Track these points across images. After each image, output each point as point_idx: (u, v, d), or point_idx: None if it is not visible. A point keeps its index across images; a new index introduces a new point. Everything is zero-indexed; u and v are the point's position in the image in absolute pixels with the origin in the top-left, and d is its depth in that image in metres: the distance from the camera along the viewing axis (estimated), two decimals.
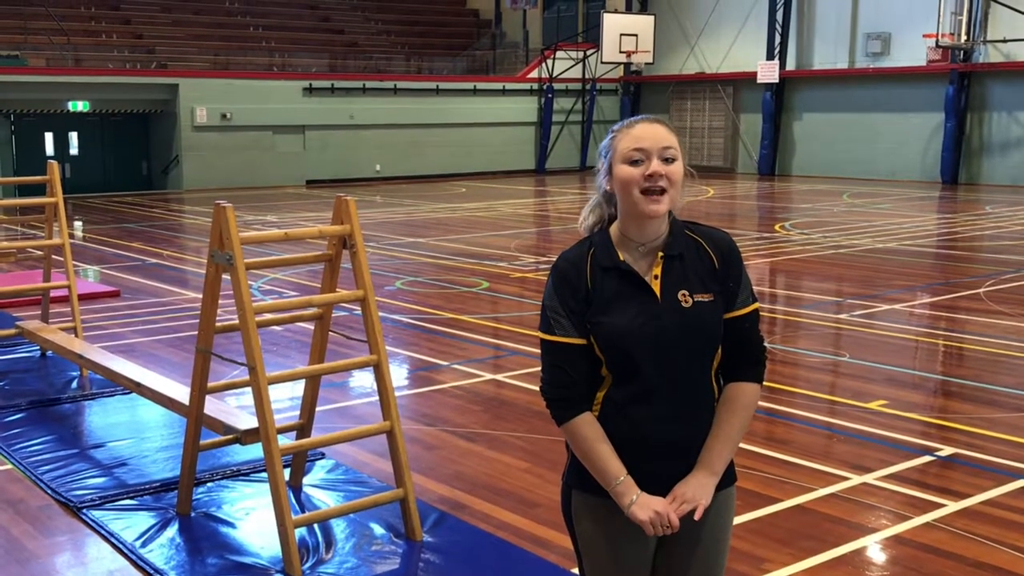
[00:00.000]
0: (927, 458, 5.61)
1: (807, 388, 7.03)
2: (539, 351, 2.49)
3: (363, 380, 7.22)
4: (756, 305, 2.52)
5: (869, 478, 5.28)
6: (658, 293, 2.40)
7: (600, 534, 2.51)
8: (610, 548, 2.51)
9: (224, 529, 4.72)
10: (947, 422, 6.30)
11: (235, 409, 5.28)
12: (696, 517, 2.40)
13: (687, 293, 2.41)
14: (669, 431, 2.42)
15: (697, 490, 2.41)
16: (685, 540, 2.49)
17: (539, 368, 2.52)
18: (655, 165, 2.37)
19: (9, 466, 5.59)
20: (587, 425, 2.43)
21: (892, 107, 26.57)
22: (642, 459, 2.42)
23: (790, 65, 28.39)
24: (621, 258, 2.43)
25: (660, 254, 2.43)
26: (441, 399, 6.84)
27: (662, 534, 2.40)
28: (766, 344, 2.57)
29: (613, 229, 2.48)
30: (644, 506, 2.38)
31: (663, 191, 2.37)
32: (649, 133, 2.39)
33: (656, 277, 2.42)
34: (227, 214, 4.26)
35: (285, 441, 4.97)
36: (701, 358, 2.44)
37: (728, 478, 2.51)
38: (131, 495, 5.09)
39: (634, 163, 2.39)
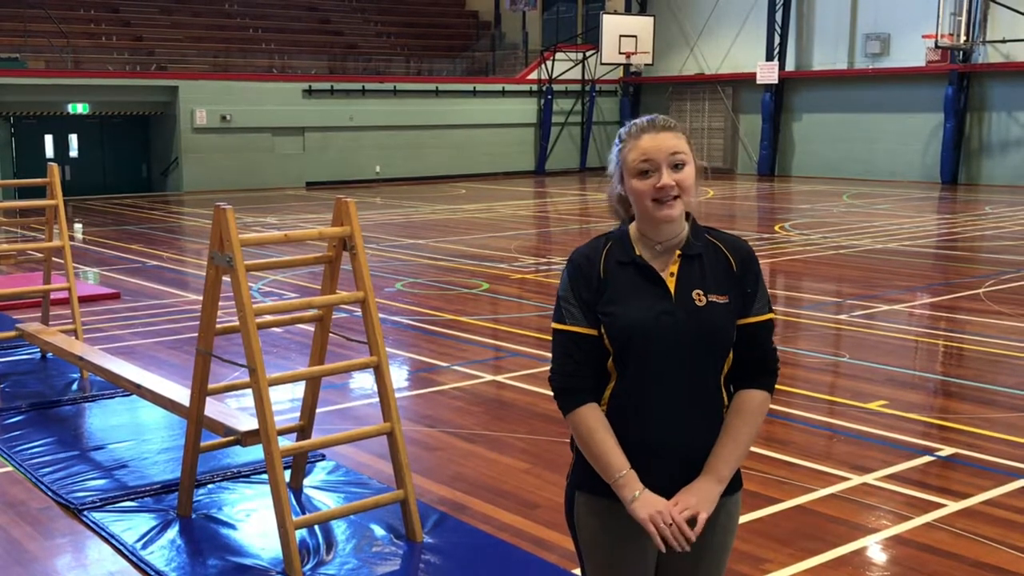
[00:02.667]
0: (927, 458, 5.61)
1: (807, 388, 7.02)
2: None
3: (363, 381, 7.22)
4: (772, 315, 2.52)
5: (869, 478, 5.28)
6: (672, 290, 2.42)
7: (603, 536, 2.50)
8: (612, 551, 2.50)
9: (225, 531, 4.72)
10: (947, 422, 6.30)
11: (235, 411, 5.28)
12: (693, 535, 2.34)
13: (701, 293, 2.42)
14: (673, 433, 2.41)
15: (700, 498, 2.38)
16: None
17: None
18: (664, 177, 2.39)
19: (10, 468, 5.59)
20: (591, 416, 2.43)
21: (892, 108, 26.58)
22: (646, 461, 2.40)
23: (789, 66, 28.41)
24: (638, 253, 2.45)
25: (678, 253, 2.46)
26: (441, 400, 6.84)
27: (668, 545, 2.33)
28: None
29: (632, 227, 2.50)
30: (645, 504, 2.36)
31: (676, 197, 2.40)
32: (655, 144, 2.41)
33: (672, 275, 2.43)
34: (227, 216, 4.27)
35: (286, 442, 4.97)
36: (711, 360, 2.44)
37: (734, 484, 2.49)
38: (132, 497, 5.09)
39: (644, 174, 2.41)
